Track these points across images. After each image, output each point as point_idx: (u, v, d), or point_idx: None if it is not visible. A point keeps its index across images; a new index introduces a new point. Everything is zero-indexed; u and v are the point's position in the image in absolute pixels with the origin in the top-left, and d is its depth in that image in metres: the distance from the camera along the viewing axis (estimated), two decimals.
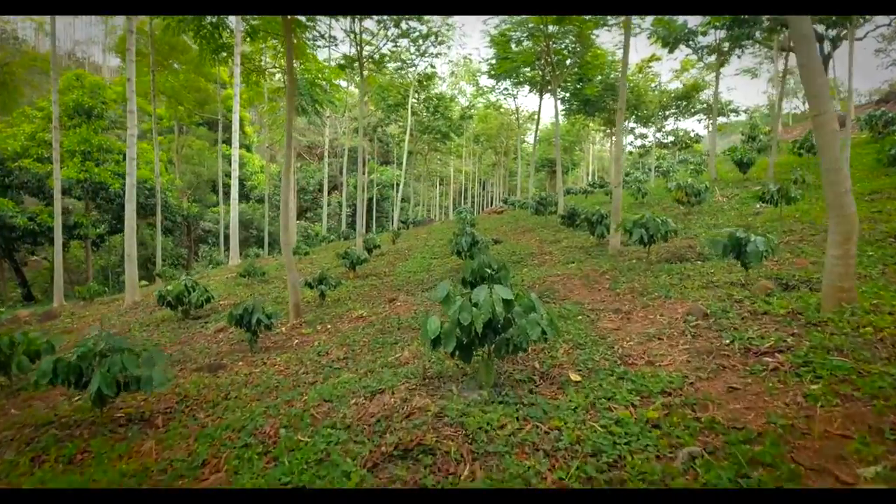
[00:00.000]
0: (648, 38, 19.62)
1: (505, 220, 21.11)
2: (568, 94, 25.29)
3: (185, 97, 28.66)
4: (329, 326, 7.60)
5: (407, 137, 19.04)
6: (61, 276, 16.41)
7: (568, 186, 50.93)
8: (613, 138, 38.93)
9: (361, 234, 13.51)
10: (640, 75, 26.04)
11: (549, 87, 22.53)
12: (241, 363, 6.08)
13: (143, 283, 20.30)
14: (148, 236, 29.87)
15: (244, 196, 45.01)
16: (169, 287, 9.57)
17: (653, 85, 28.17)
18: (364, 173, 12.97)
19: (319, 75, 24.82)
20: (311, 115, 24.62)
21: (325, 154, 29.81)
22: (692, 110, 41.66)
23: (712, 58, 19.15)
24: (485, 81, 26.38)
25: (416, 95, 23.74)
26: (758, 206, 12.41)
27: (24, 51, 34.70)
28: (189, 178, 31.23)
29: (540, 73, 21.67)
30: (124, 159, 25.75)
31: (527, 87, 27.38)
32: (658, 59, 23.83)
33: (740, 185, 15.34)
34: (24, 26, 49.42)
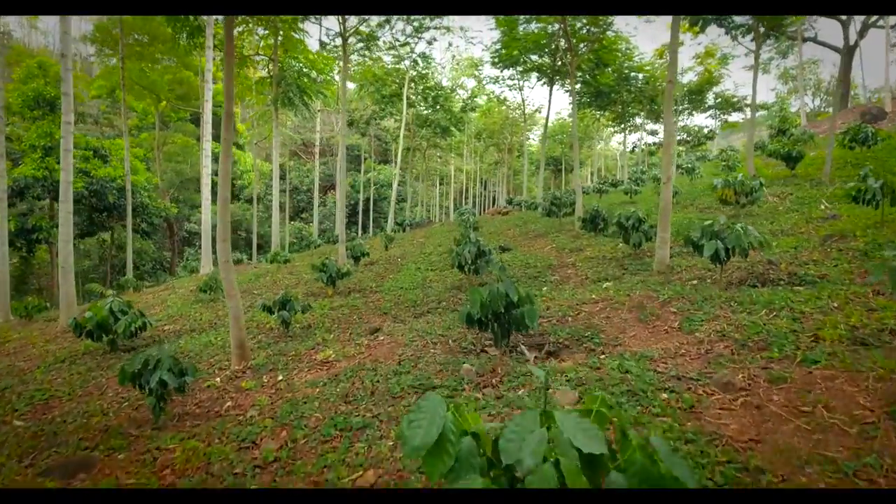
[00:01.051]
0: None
1: (511, 222, 18.94)
2: (579, 85, 23.14)
3: (163, 89, 26.49)
4: (280, 377, 5.43)
5: (402, 131, 16.89)
6: (7, 287, 14.26)
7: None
8: (623, 134, 36.77)
9: (343, 242, 11.34)
10: (661, 61, 23.80)
11: (561, 76, 20.39)
12: (123, 455, 3.91)
13: (110, 292, 18.19)
14: (124, 239, 27.71)
15: (234, 196, 42.96)
16: (88, 313, 7.42)
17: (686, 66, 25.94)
18: (342, 169, 10.78)
19: (308, 64, 22.71)
20: (299, 106, 22.50)
21: (317, 152, 27.63)
22: (705, 105, 39.57)
23: (747, 39, 16.96)
24: (488, 72, 24.26)
25: (413, 86, 21.55)
26: (822, 206, 10.23)
27: None
28: (170, 177, 29.09)
29: (550, 59, 19.51)
30: (95, 156, 23.70)
31: (534, 78, 25.26)
32: (680, 44, 21.65)
33: (788, 182, 13.15)
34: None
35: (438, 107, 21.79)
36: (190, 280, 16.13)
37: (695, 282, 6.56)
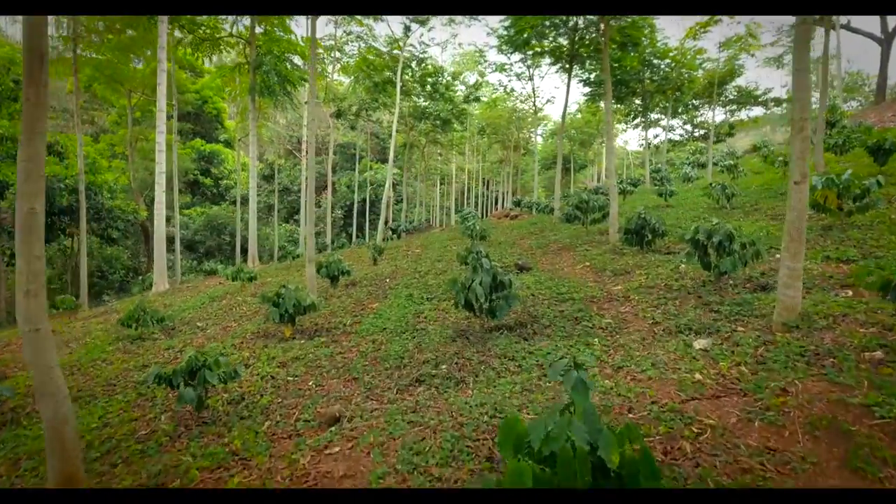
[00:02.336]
0: None
1: (524, 228, 16.21)
2: (594, 75, 20.38)
3: (135, 81, 23.79)
4: None
5: (395, 120, 14.11)
6: None
7: (576, 189, 45.83)
8: (645, 131, 33.99)
9: (312, 260, 8.59)
10: (694, 43, 20.93)
11: (580, 60, 17.65)
12: None
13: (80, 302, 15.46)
14: (96, 244, 25.03)
15: (219, 196, 40.27)
16: None
17: (700, 59, 23.15)
18: (309, 164, 8.11)
19: (290, 48, 19.99)
20: (281, 96, 19.79)
21: (304, 149, 24.91)
22: (725, 99, 36.80)
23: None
24: (494, 59, 21.50)
25: (410, 72, 18.80)
26: None
27: None
28: (144, 177, 26.34)
29: (568, 40, 16.78)
30: (50, 152, 20.99)
31: (545, 66, 22.51)
32: (716, 22, 18.85)
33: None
34: None
35: (438, 96, 19.03)
36: (136, 300, 13.39)
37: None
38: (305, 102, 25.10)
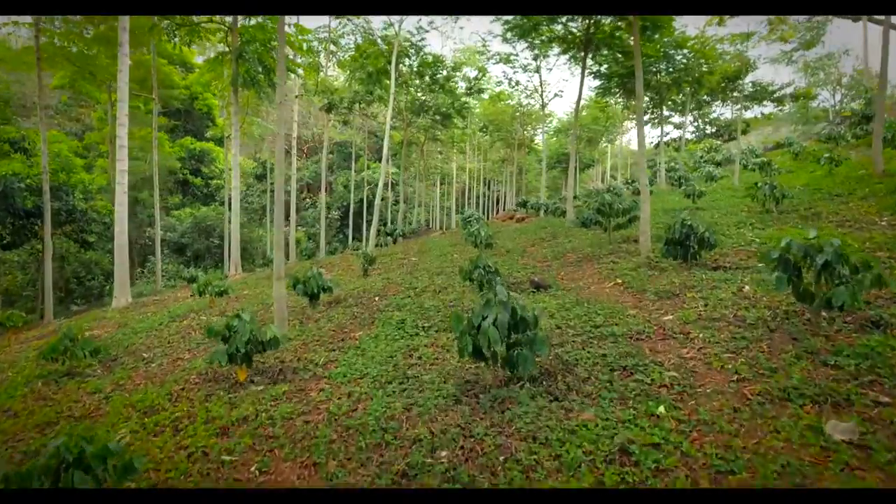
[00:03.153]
0: None
1: (533, 233, 14.57)
2: (608, 65, 18.73)
3: (103, 71, 22.12)
4: None
5: (389, 115, 12.42)
6: None
7: (583, 190, 43.97)
8: (661, 127, 32.39)
9: (281, 278, 6.95)
10: (717, 28, 19.26)
11: (595, 46, 16.00)
12: None
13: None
14: (73, 249, 23.38)
15: (210, 196, 38.64)
16: None
17: (720, 47, 21.46)
18: (280, 161, 6.58)
19: (276, 35, 18.34)
20: (266, 87, 18.16)
21: (294, 145, 23.27)
22: (740, 94, 35.27)
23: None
24: (498, 48, 19.86)
25: (406, 62, 17.16)
26: None
27: None
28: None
29: (582, 25, 15.18)
30: (15, 149, 19.38)
31: (552, 57, 20.85)
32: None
33: None
34: None
35: (438, 87, 17.35)
36: (90, 318, 11.75)
37: None
38: (297, 96, 23.47)
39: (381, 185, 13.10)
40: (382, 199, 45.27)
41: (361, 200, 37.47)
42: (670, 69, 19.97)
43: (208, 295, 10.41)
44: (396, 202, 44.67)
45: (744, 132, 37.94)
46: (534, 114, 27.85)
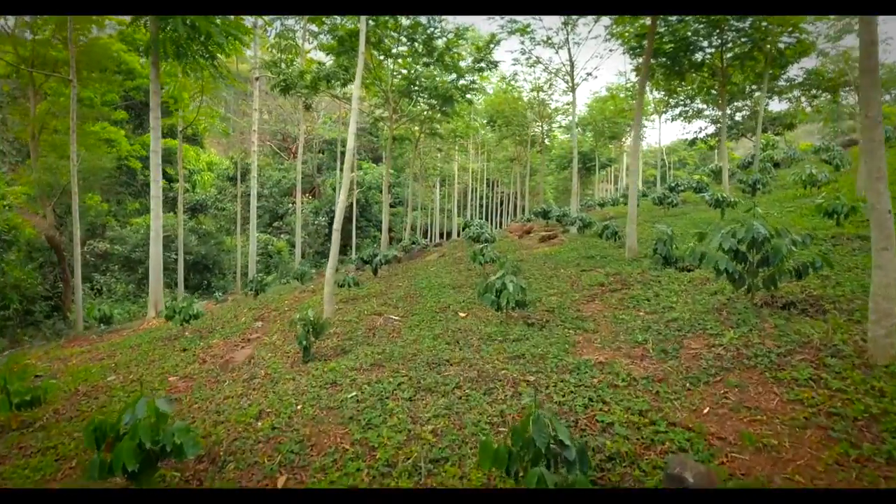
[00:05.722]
0: None
1: (577, 265, 9.84)
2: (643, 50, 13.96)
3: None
4: None
5: (356, 90, 7.84)
6: None
7: (588, 199, 39.01)
8: (696, 122, 27.52)
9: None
10: None
11: None
12: None
13: None
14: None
15: (173, 201, 34.00)
16: None
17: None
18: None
19: None
20: (201, 60, 13.47)
21: (254, 142, 18.56)
22: (791, 84, 30.00)
23: None
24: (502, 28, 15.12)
25: (391, 24, 12.39)
26: None
27: None
28: (49, 179, 19.91)
29: None
30: None
31: (582, 26, 16.10)
32: None
33: None
34: None
35: (435, 60, 12.65)
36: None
37: None
38: (256, 79, 18.82)
39: (343, 194, 8.07)
40: (378, 202, 40.50)
41: (352, 204, 32.85)
42: (743, 37, 15.10)
43: (179, 322, 5.68)
44: (393, 204, 40.00)
45: (789, 127, 33.08)
46: (549, 103, 23.05)
